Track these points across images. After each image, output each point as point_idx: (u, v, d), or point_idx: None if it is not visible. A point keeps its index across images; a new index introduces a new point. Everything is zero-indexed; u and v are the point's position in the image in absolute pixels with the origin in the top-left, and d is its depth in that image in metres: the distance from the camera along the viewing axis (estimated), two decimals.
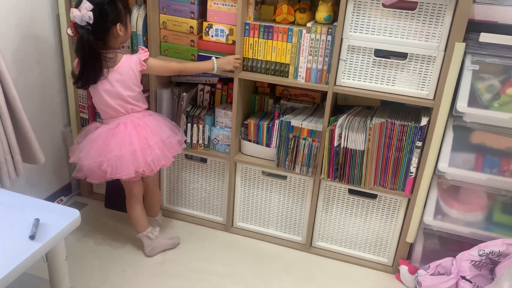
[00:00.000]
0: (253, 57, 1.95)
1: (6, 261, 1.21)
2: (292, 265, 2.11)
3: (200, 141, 2.16)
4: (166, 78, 2.19)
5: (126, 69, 1.81)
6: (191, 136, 2.15)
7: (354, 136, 1.90)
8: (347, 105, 2.09)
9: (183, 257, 2.10)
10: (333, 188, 2.07)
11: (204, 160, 2.25)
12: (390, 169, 1.93)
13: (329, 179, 2.01)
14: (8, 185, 1.73)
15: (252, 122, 2.09)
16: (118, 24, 1.77)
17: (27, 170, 2.04)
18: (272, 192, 2.18)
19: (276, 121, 2.04)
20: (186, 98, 2.11)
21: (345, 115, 1.93)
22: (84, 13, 1.66)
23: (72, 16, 1.69)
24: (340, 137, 1.92)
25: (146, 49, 1.88)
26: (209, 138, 2.16)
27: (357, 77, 1.86)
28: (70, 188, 2.46)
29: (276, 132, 2.05)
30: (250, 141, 2.14)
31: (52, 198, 2.31)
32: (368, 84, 1.85)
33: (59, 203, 2.34)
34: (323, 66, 1.88)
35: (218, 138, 2.15)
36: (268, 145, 2.11)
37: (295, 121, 1.97)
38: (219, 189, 2.27)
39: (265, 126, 2.08)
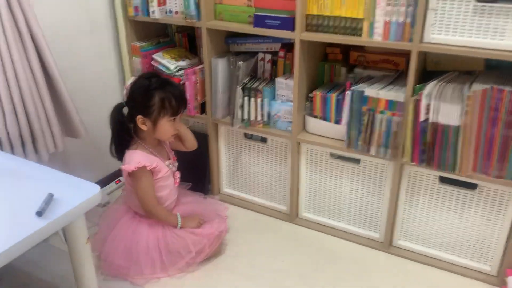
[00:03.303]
0: (318, 14, 1.62)
1: (6, 238, 1.04)
2: (366, 267, 1.75)
3: (259, 118, 1.88)
4: (222, 46, 1.94)
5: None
6: (249, 111, 1.88)
7: (446, 108, 1.48)
8: (439, 70, 1.66)
9: (238, 249, 1.84)
10: (419, 175, 1.66)
11: (264, 140, 1.96)
12: (496, 151, 1.48)
13: (413, 163, 1.61)
14: (46, 159, 1.61)
15: (318, 94, 1.76)
16: (140, 116, 1.57)
17: (79, 151, 1.93)
18: (343, 178, 1.83)
19: (347, 92, 1.69)
20: (243, 67, 1.84)
21: (435, 81, 1.52)
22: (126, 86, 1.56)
23: None
24: (428, 109, 1.51)
25: (137, 162, 1.59)
26: (268, 113, 1.87)
27: (451, 31, 1.44)
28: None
29: (347, 105, 1.69)
30: (316, 117, 1.81)
31: (104, 182, 2.20)
32: (466, 39, 1.42)
33: (117, 183, 2.23)
34: (405, 19, 1.48)
35: (279, 114, 1.85)
36: (337, 122, 1.76)
37: (370, 90, 1.60)
38: (282, 173, 1.97)
39: (333, 98, 1.74)
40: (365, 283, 1.67)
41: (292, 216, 2.00)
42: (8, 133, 1.50)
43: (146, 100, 1.55)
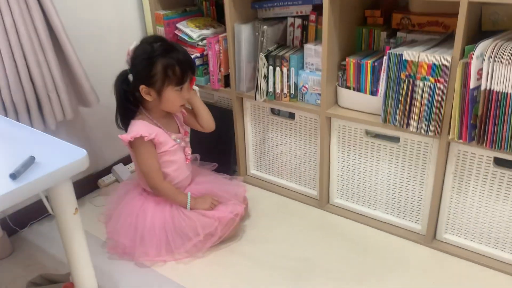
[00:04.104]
0: None
1: None
2: (404, 262, 1.50)
3: (285, 90, 1.69)
4: (248, 12, 1.76)
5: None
6: (274, 83, 1.69)
7: (503, 72, 1.21)
8: (497, 30, 1.38)
9: (258, 234, 1.66)
10: (469, 155, 1.39)
11: (292, 116, 1.77)
12: None
13: (461, 141, 1.34)
14: (53, 128, 1.52)
15: (351, 61, 1.54)
16: (144, 86, 1.43)
17: (101, 126, 1.84)
18: (380, 160, 1.59)
19: (384, 58, 1.45)
20: (269, 33, 1.65)
21: (490, 40, 1.25)
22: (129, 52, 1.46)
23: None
24: (480, 74, 1.25)
25: (135, 132, 1.46)
26: (295, 85, 1.67)
27: None
28: None
29: (384, 73, 1.46)
30: (349, 88, 1.58)
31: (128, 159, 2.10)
32: None
33: None
34: None
35: (307, 85, 1.65)
36: (373, 93, 1.53)
37: (409, 53, 1.35)
38: (312, 154, 1.76)
39: (369, 65, 1.51)
40: (401, 281, 1.42)
41: (322, 201, 1.78)
42: (12, 98, 1.42)
43: (148, 69, 1.41)
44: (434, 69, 1.32)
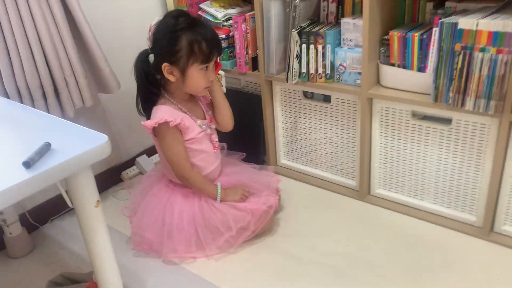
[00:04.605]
0: None
1: None
2: (458, 257, 1.34)
3: (320, 70, 1.54)
4: None
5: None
6: (307, 62, 1.55)
7: None
8: None
9: (293, 228, 1.52)
10: None
11: (327, 99, 1.62)
12: None
13: None
14: (72, 115, 1.42)
15: (395, 34, 1.38)
16: (167, 64, 1.29)
17: (125, 113, 1.73)
18: (428, 144, 1.44)
19: (434, 28, 1.29)
20: (301, 8, 1.51)
21: None
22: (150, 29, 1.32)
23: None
24: None
25: (159, 118, 1.32)
26: (332, 64, 1.52)
27: None
28: None
29: (435, 45, 1.30)
30: (393, 65, 1.43)
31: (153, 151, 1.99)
32: None
33: None
34: None
35: (344, 64, 1.50)
36: (421, 69, 1.37)
37: (466, 21, 1.19)
38: (350, 140, 1.62)
39: (416, 38, 1.35)
40: (458, 278, 1.27)
41: (362, 192, 1.63)
42: (27, 83, 1.32)
43: (172, 44, 1.28)
44: (496, 37, 1.15)
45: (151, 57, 1.32)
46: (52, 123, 1.10)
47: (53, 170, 0.90)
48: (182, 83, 1.34)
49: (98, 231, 1.07)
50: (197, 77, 1.32)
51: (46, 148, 0.96)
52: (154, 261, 1.41)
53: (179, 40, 1.27)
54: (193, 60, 1.29)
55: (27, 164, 0.89)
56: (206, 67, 1.33)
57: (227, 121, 1.50)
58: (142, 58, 1.33)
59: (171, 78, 1.32)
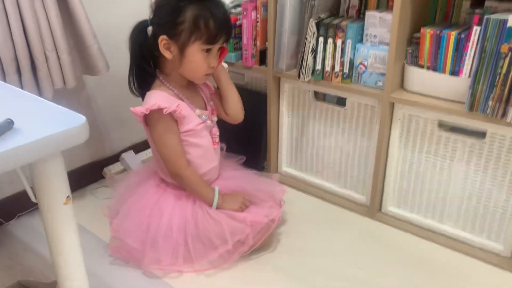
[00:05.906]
0: None
1: None
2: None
3: (337, 68, 1.37)
4: None
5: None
6: (323, 58, 1.38)
7: None
8: None
9: (295, 245, 1.33)
10: None
11: (342, 102, 1.45)
12: None
13: None
14: (49, 96, 1.22)
15: (428, 32, 1.21)
16: (164, 37, 1.11)
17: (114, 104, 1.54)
18: (454, 161, 1.27)
19: (475, 27, 1.13)
20: None
21: None
22: None
23: None
24: None
25: (151, 104, 1.13)
26: (351, 62, 1.35)
27: None
28: None
29: (473, 47, 1.13)
30: (421, 66, 1.26)
31: (141, 147, 1.80)
32: None
33: None
34: None
35: (365, 63, 1.33)
36: (454, 73, 1.21)
37: None
38: (364, 150, 1.44)
39: (452, 38, 1.18)
40: None
41: (372, 209, 1.45)
42: None
43: (175, 15, 1.10)
44: None
45: (150, 29, 1.14)
46: (18, 97, 0.90)
47: (11, 153, 0.71)
48: (179, 63, 1.15)
49: (66, 233, 0.87)
50: (197, 58, 1.14)
51: (6, 126, 0.76)
52: (133, 271, 1.21)
53: (184, 11, 1.09)
54: (195, 37, 1.11)
55: None
56: (209, 49, 1.15)
57: (238, 111, 1.34)
58: (139, 29, 1.15)
59: (167, 54, 1.13)
